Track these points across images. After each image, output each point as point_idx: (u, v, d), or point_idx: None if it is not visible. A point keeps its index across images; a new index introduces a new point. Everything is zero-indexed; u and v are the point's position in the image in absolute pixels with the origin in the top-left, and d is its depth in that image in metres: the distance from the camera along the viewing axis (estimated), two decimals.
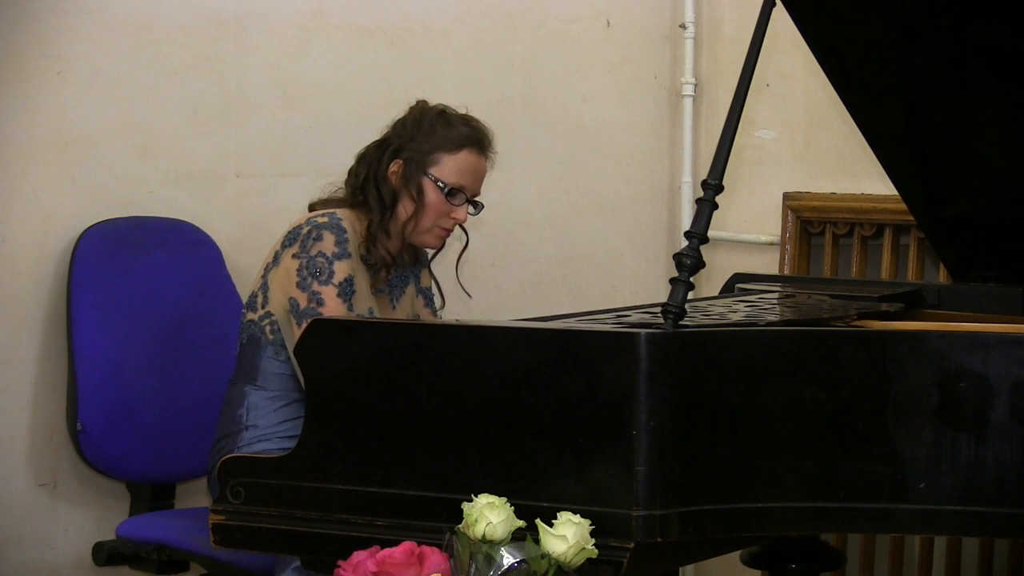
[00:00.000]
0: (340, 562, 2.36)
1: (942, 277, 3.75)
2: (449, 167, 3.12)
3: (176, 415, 3.45)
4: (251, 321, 3.10)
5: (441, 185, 3.11)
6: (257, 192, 3.74)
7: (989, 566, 3.90)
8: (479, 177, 3.17)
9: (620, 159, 4.40)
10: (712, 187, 2.56)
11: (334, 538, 2.53)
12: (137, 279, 3.45)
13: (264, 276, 3.09)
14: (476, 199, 3.18)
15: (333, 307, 2.98)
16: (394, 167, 3.12)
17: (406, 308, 3.23)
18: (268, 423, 3.04)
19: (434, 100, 3.22)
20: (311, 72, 3.83)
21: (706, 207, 2.55)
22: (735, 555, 3.14)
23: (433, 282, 3.32)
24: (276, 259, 3.06)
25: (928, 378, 2.48)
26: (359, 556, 2.35)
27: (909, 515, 2.49)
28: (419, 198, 3.11)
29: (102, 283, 3.41)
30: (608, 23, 4.33)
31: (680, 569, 3.89)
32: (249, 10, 3.72)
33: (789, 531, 2.76)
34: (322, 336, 2.60)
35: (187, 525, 3.25)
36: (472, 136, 3.14)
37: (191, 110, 3.64)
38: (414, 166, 3.11)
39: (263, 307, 3.07)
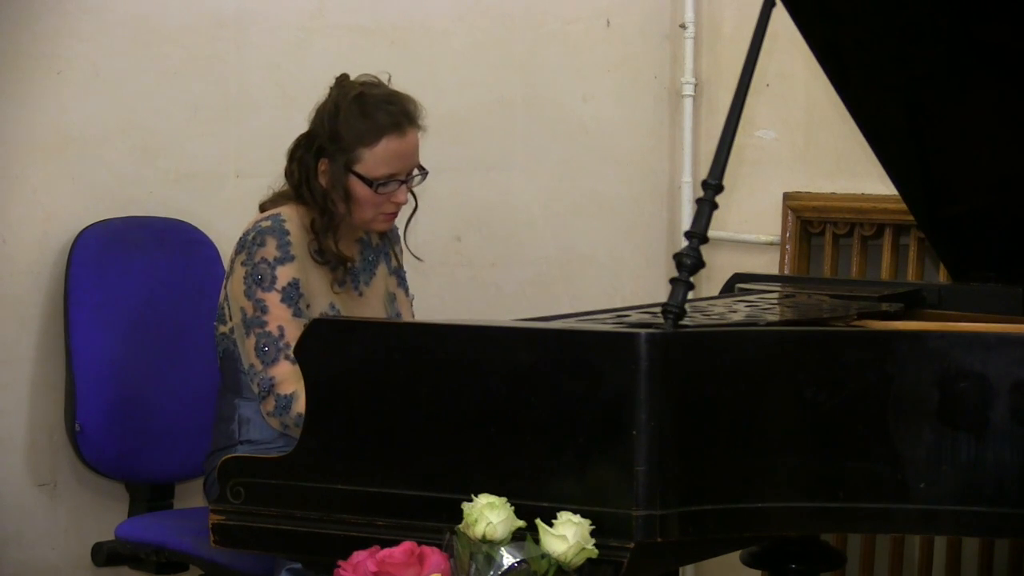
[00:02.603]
0: (340, 562, 2.36)
1: (942, 277, 3.75)
2: (372, 162, 3.05)
3: (175, 415, 3.45)
4: (223, 334, 3.08)
5: (368, 181, 3.05)
6: (257, 192, 3.71)
7: (989, 566, 3.90)
8: (407, 156, 3.08)
9: (620, 159, 4.40)
10: (712, 187, 2.56)
11: (334, 538, 2.53)
12: (135, 279, 3.45)
13: (225, 287, 3.07)
14: (417, 170, 3.10)
15: (277, 313, 2.96)
16: (322, 166, 3.07)
17: (378, 291, 3.20)
18: (263, 437, 3.03)
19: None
20: (311, 72, 3.82)
21: (706, 207, 2.55)
22: (735, 555, 3.14)
23: (402, 242, 3.28)
24: (231, 268, 3.05)
25: (928, 378, 2.48)
26: (359, 556, 2.35)
27: (909, 515, 2.48)
28: (348, 196, 3.05)
29: (100, 283, 3.41)
30: (608, 23, 4.33)
31: (680, 569, 3.89)
32: (249, 10, 3.72)
33: (789, 531, 2.76)
34: (322, 336, 2.60)
35: (186, 526, 3.25)
36: (390, 123, 3.05)
37: (191, 110, 3.64)
38: (337, 166, 3.05)
39: (230, 319, 3.06)
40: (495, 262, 4.15)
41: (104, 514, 3.49)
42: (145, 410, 3.41)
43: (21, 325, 3.42)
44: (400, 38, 3.96)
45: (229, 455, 2.71)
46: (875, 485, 2.47)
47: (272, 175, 3.75)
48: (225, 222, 3.67)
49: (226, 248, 3.61)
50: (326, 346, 2.59)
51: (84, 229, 3.43)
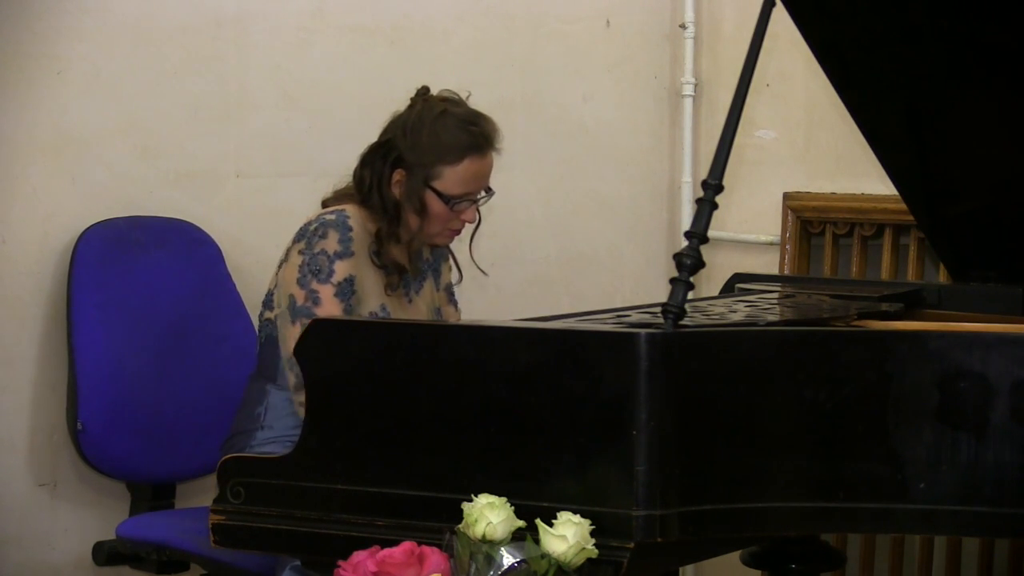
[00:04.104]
0: (340, 562, 2.36)
1: (942, 277, 3.75)
2: (451, 179, 3.07)
3: (176, 415, 3.45)
4: (268, 320, 3.08)
5: (445, 198, 3.08)
6: (257, 192, 3.74)
7: (989, 566, 3.90)
8: (485, 177, 3.12)
9: (620, 159, 4.40)
10: (712, 187, 2.56)
11: (334, 538, 2.53)
12: (137, 279, 3.46)
13: (277, 274, 3.08)
14: (484, 191, 3.14)
15: (329, 307, 2.96)
16: (397, 176, 3.08)
17: (426, 301, 3.21)
18: (284, 426, 3.02)
19: None
20: (311, 72, 3.83)
21: (706, 207, 2.55)
22: (735, 555, 3.14)
23: (451, 257, 3.30)
24: (287, 256, 3.06)
25: (928, 378, 2.48)
26: (359, 556, 2.35)
27: (909, 515, 2.49)
28: (423, 210, 3.08)
29: (102, 283, 3.41)
30: (608, 23, 4.33)
31: (680, 569, 3.89)
32: (249, 10, 3.72)
33: (789, 531, 2.76)
34: (322, 336, 2.60)
35: (187, 525, 3.25)
36: (473, 144, 3.07)
37: (191, 110, 3.64)
38: (416, 180, 3.06)
39: (279, 305, 3.06)
40: (495, 262, 4.15)
41: (105, 513, 3.49)
42: (147, 409, 3.41)
43: (22, 325, 3.42)
44: (400, 38, 3.96)
45: (229, 455, 2.71)
46: (875, 485, 2.47)
47: (272, 175, 3.77)
48: (225, 222, 3.67)
49: (227, 248, 3.61)
50: (326, 346, 2.59)
51: (87, 229, 3.43)
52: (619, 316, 2.80)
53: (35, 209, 3.43)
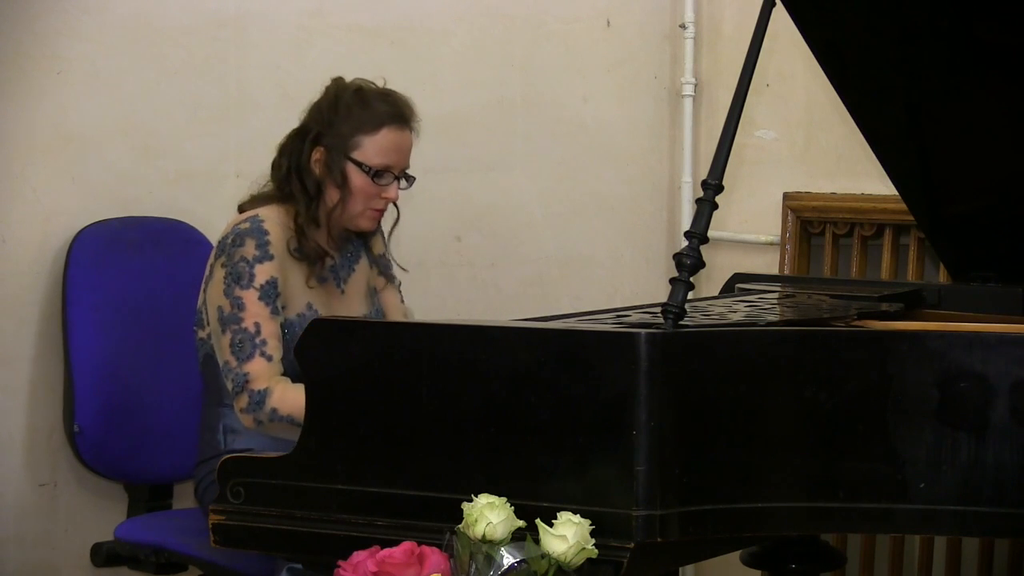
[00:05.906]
0: (340, 562, 2.36)
1: (942, 277, 3.75)
2: (371, 149, 3.08)
3: (173, 415, 3.45)
4: (202, 339, 3.10)
5: (366, 168, 3.09)
6: None
7: (989, 566, 3.90)
8: (404, 151, 3.13)
9: (620, 159, 4.40)
10: (712, 187, 2.56)
11: (334, 538, 2.53)
12: (134, 279, 3.46)
13: (204, 291, 3.09)
14: (406, 173, 3.14)
15: (254, 310, 2.98)
16: (316, 155, 3.10)
17: (360, 286, 3.21)
18: (247, 441, 3.03)
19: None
20: (311, 72, 3.82)
21: (706, 207, 2.55)
22: (735, 555, 3.14)
23: (381, 234, 3.30)
24: (211, 272, 3.07)
25: (928, 378, 2.48)
26: (359, 556, 2.35)
27: (909, 515, 2.48)
28: (345, 185, 3.08)
29: (97, 284, 3.41)
30: (608, 23, 4.33)
31: (680, 569, 3.89)
32: (249, 10, 3.72)
33: (789, 531, 2.76)
34: (322, 336, 2.60)
35: (185, 526, 3.25)
36: (390, 112, 3.10)
37: (191, 110, 3.64)
38: (335, 153, 3.08)
39: (208, 324, 3.07)
40: (495, 262, 4.15)
41: (103, 515, 3.49)
42: (144, 410, 3.41)
43: (20, 325, 3.42)
44: (400, 38, 3.96)
45: (229, 456, 2.71)
46: (875, 485, 2.47)
47: None
48: (224, 222, 3.66)
49: None
50: (326, 346, 2.59)
51: (82, 229, 3.43)
52: (619, 316, 2.80)
53: (35, 209, 3.43)
